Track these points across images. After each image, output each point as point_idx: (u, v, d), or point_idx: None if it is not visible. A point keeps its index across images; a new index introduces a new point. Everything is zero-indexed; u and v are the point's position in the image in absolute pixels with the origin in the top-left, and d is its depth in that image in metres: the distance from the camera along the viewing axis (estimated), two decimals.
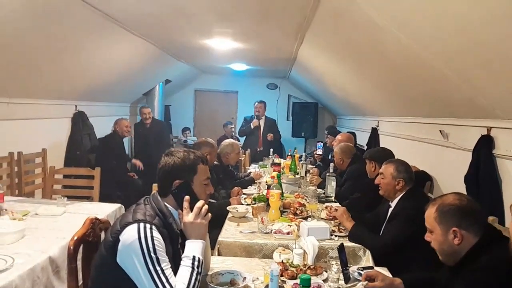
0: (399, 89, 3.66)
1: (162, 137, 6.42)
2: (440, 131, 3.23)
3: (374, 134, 5.11)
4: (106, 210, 3.02)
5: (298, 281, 1.82)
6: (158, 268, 1.46)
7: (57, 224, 2.62)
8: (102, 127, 5.68)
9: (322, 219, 2.85)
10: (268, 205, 2.95)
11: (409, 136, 4.05)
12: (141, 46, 4.80)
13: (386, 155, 2.98)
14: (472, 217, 1.57)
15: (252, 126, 6.53)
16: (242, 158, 5.44)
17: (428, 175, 3.44)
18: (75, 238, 1.63)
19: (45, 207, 2.87)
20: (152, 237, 1.49)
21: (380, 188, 2.63)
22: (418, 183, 2.88)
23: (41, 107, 4.45)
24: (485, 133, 2.61)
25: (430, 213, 1.65)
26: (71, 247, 1.60)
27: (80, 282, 1.70)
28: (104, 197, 3.94)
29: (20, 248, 2.17)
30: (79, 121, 5.15)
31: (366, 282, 1.80)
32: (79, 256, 1.74)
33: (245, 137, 6.83)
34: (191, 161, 1.69)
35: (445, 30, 2.08)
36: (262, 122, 6.68)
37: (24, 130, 4.21)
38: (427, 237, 1.69)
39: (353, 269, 2.01)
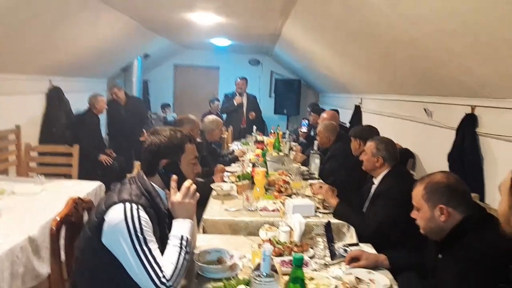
0: (384, 67, 3.65)
1: (139, 115, 6.23)
2: (425, 109, 3.25)
3: (357, 112, 5.13)
4: (86, 189, 2.95)
5: (285, 258, 1.83)
6: (145, 248, 1.43)
7: (35, 203, 2.54)
8: (78, 103, 5.47)
9: (307, 196, 2.86)
10: (253, 182, 2.93)
11: (393, 114, 4.07)
12: (119, 20, 4.60)
13: (371, 133, 2.99)
14: (459, 196, 1.59)
15: (235, 103, 6.45)
16: (225, 136, 5.39)
17: (411, 153, 3.49)
18: (58, 218, 1.57)
19: (22, 186, 2.78)
20: (139, 217, 1.45)
21: (363, 164, 2.65)
22: (401, 160, 2.92)
23: (14, 82, 4.23)
24: (469, 111, 2.63)
25: (418, 191, 1.66)
26: (54, 228, 1.54)
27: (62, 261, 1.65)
28: (83, 175, 3.83)
29: None
30: (55, 97, 4.94)
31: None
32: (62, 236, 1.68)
33: (226, 114, 6.75)
34: (179, 140, 1.64)
35: (436, 10, 2.05)
36: (244, 99, 6.59)
37: None
38: (413, 214, 1.71)
39: (338, 245, 2.03)
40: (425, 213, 1.63)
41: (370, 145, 2.61)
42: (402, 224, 2.28)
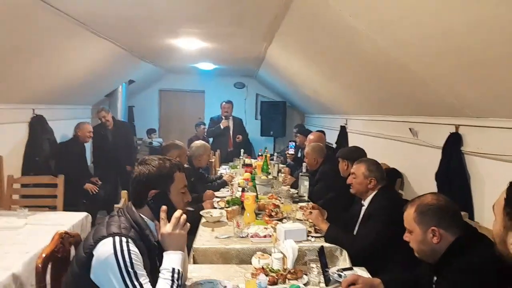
0: (369, 88, 3.71)
1: (126, 140, 6.16)
2: (410, 129, 3.29)
3: (343, 132, 5.18)
4: (72, 220, 2.87)
5: (279, 286, 1.80)
6: (136, 283, 1.39)
7: (19, 238, 2.46)
8: (62, 131, 5.40)
9: (298, 220, 2.83)
10: (243, 207, 2.90)
11: (379, 134, 4.12)
12: (103, 47, 4.60)
13: (359, 154, 3.01)
14: (450, 217, 1.60)
15: (222, 127, 6.44)
16: (213, 160, 5.35)
17: (398, 172, 3.51)
18: (43, 255, 1.52)
19: (5, 219, 2.69)
20: (128, 250, 1.42)
21: (351, 187, 2.65)
22: (389, 180, 2.93)
23: None
24: (454, 130, 2.68)
25: (409, 214, 1.66)
26: (40, 266, 1.48)
27: None
28: (68, 206, 3.73)
29: None
30: (37, 126, 4.85)
31: None
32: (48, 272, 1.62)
33: (212, 138, 6.73)
34: (167, 169, 1.61)
35: (420, 34, 2.11)
36: (230, 122, 6.60)
37: None
38: (406, 237, 1.71)
39: (332, 270, 2.00)
40: (417, 236, 1.63)
41: (359, 167, 2.60)
42: (393, 244, 2.28)
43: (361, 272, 2.01)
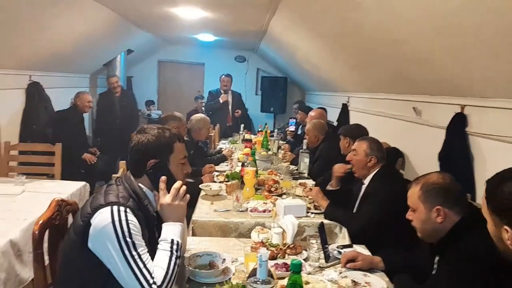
0: (372, 65, 3.63)
1: (131, 110, 6.14)
2: (413, 108, 3.24)
3: (344, 110, 5.12)
4: (70, 189, 2.84)
5: (278, 261, 1.78)
6: (134, 253, 1.36)
7: (16, 205, 2.43)
8: (59, 100, 5.29)
9: (297, 196, 2.82)
10: (242, 182, 2.88)
11: (381, 113, 4.07)
12: (101, 13, 4.46)
13: (361, 132, 2.97)
14: (455, 196, 1.58)
15: (221, 101, 6.35)
16: (212, 134, 5.31)
17: (400, 152, 3.48)
18: (40, 222, 1.49)
19: (2, 186, 2.65)
20: (127, 220, 1.38)
21: (353, 168, 2.63)
22: (390, 160, 2.90)
23: None
24: (459, 110, 2.63)
25: (414, 192, 1.64)
26: (36, 232, 1.46)
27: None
28: (66, 175, 3.70)
29: None
30: (34, 93, 4.77)
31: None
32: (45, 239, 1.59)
33: (210, 112, 6.63)
34: (167, 139, 1.56)
35: (425, 10, 2.04)
36: (229, 97, 6.50)
37: None
38: (409, 215, 1.69)
39: (332, 247, 1.99)
40: (421, 214, 1.61)
41: (361, 144, 2.58)
42: (393, 224, 2.27)
43: (361, 249, 2.00)
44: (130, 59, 7.49)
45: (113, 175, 2.48)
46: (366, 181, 2.58)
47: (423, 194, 1.60)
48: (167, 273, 1.39)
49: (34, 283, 1.51)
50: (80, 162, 4.63)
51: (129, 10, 4.68)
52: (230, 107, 6.49)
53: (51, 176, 3.56)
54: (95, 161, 4.74)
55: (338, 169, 2.89)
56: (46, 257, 1.59)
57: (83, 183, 3.00)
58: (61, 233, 1.57)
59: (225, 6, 4.30)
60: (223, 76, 6.41)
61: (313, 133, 3.82)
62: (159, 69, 8.81)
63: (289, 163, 3.99)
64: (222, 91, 6.40)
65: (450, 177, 1.64)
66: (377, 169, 2.54)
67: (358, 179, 2.66)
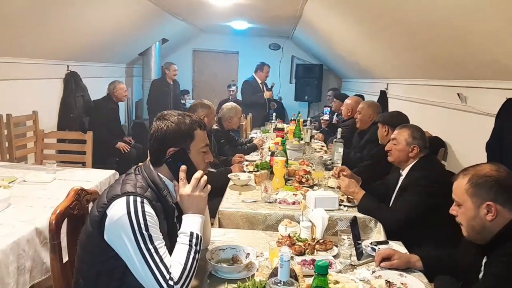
0: (413, 49, 3.38)
1: (176, 98, 6.41)
2: (458, 94, 2.99)
3: (383, 98, 4.86)
4: (98, 177, 2.84)
5: (306, 257, 1.67)
6: (150, 246, 1.29)
7: (45, 192, 2.44)
8: (96, 89, 5.40)
9: (330, 187, 2.68)
10: (272, 172, 2.77)
11: (422, 100, 3.81)
12: (137, 2, 4.46)
13: (401, 120, 2.77)
14: (510, 192, 1.38)
15: (265, 97, 6.19)
16: (243, 123, 5.22)
17: (442, 141, 3.24)
18: (57, 211, 1.45)
19: (34, 174, 2.69)
20: (143, 211, 1.31)
21: (389, 154, 2.44)
22: (431, 149, 2.69)
23: (30, 67, 4.17)
24: (511, 96, 2.37)
25: (461, 185, 1.46)
26: (53, 222, 1.41)
27: (66, 259, 1.53)
28: (99, 163, 3.75)
29: (4, 219, 2.00)
30: (72, 82, 4.88)
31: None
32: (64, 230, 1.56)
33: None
34: (187, 126, 1.47)
35: None
36: (264, 87, 6.36)
37: (12, 91, 3.95)
38: (453, 210, 1.51)
39: (365, 243, 1.85)
40: (468, 210, 1.43)
41: (401, 132, 2.38)
42: (431, 219, 2.10)
43: (397, 246, 1.84)
44: (165, 48, 7.52)
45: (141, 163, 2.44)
46: (404, 172, 2.39)
47: (471, 187, 1.42)
48: (184, 268, 1.31)
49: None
50: (114, 150, 4.69)
51: None
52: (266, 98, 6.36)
53: (84, 165, 3.61)
54: (128, 150, 4.78)
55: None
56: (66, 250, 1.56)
57: (113, 171, 2.99)
58: (81, 223, 1.52)
59: None
60: (267, 66, 6.22)
61: (367, 112, 3.58)
62: (193, 58, 8.81)
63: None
64: (259, 82, 6.20)
65: (506, 169, 1.44)
66: (417, 159, 2.35)
67: (395, 169, 2.48)
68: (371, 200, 2.33)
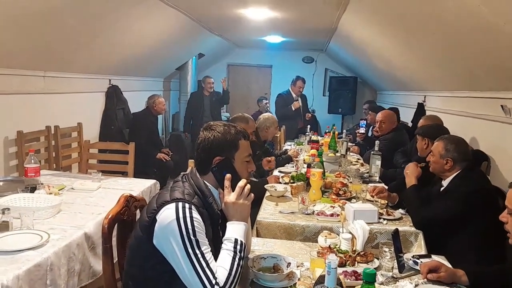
0: (452, 59, 3.32)
1: (215, 110, 6.65)
2: (502, 106, 2.90)
3: (420, 110, 4.77)
4: (140, 186, 2.94)
5: (347, 268, 1.66)
6: (197, 251, 1.33)
7: (92, 200, 2.56)
8: (136, 102, 5.64)
9: (368, 200, 2.65)
10: (308, 184, 2.78)
11: (462, 112, 3.72)
12: (174, 17, 4.63)
13: (441, 132, 2.72)
14: None
15: (293, 108, 6.25)
16: (278, 135, 5.25)
17: (484, 155, 3.14)
18: (109, 216, 1.53)
19: (81, 182, 2.83)
20: (191, 217, 1.36)
21: (429, 165, 2.45)
22: (474, 163, 2.62)
23: (76, 81, 4.42)
24: None
25: None
26: (106, 226, 1.49)
27: (115, 260, 1.61)
28: (139, 172, 3.88)
29: (55, 224, 2.12)
30: (113, 95, 5.10)
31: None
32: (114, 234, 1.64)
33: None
34: (232, 136, 1.53)
35: None
36: (300, 100, 6.41)
37: (60, 104, 4.19)
38: (504, 217, 1.48)
39: (407, 256, 1.82)
40: None
41: (437, 145, 2.38)
42: (471, 226, 2.09)
43: (440, 260, 1.80)
44: (201, 63, 7.72)
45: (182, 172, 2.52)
46: (445, 183, 2.37)
47: None
48: (230, 273, 1.34)
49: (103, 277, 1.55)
50: (153, 161, 4.84)
51: (202, 14, 4.81)
52: (301, 110, 6.40)
53: (125, 174, 3.75)
54: (168, 160, 4.93)
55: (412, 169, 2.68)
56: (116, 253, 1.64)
57: (154, 181, 3.10)
58: (129, 228, 1.60)
59: (294, 5, 4.23)
60: (300, 81, 6.29)
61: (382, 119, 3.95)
62: (228, 72, 8.98)
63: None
64: (294, 95, 6.27)
65: None
66: (458, 171, 2.31)
67: (438, 179, 2.46)
68: (418, 192, 2.40)
